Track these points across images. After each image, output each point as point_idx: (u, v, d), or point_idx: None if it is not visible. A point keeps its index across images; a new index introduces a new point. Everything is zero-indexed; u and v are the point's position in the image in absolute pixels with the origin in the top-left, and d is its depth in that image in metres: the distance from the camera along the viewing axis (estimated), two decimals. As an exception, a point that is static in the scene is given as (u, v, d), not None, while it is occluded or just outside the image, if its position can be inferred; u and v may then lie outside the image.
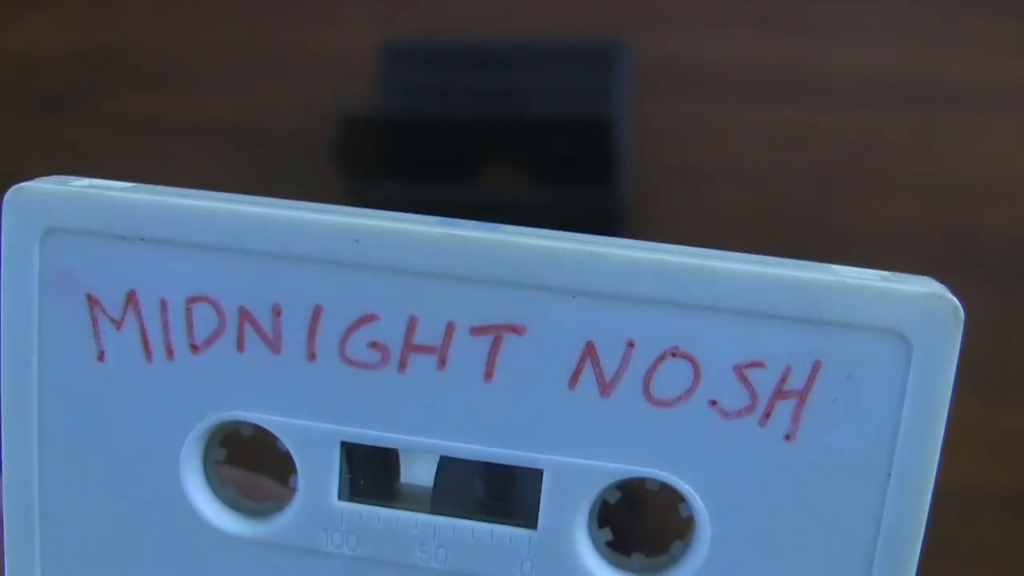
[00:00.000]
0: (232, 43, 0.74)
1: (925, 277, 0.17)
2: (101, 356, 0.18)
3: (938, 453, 0.19)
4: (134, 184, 0.18)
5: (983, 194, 0.66)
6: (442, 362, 0.17)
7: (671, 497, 0.17)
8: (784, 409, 0.16)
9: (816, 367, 0.16)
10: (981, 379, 0.63)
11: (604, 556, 0.18)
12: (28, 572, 0.19)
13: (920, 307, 0.17)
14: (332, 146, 0.57)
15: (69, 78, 0.75)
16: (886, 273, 0.17)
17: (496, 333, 0.17)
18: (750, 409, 0.16)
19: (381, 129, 0.62)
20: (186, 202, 0.18)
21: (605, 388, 0.17)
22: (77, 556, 0.19)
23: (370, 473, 0.18)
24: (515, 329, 0.17)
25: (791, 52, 0.70)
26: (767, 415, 0.16)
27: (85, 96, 0.75)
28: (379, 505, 0.18)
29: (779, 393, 0.16)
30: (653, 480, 0.17)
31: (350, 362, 0.17)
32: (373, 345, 0.17)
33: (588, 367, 0.17)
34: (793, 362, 0.16)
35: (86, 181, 0.18)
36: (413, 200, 0.61)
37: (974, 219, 0.66)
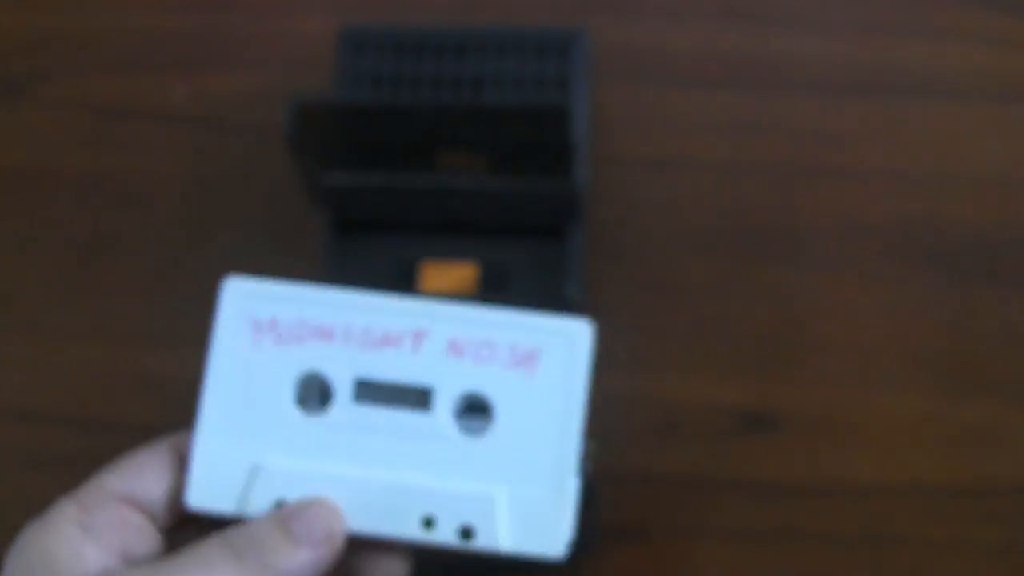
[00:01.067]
0: (190, 28, 0.85)
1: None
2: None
3: (584, 386, 0.49)
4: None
5: (943, 184, 0.78)
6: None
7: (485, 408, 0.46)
8: (527, 367, 0.45)
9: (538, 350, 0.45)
10: (938, 372, 0.75)
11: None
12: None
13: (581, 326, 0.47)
14: (286, 132, 0.66)
15: (26, 63, 0.86)
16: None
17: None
18: (515, 364, 0.45)
19: (337, 116, 0.72)
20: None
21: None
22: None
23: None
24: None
25: (752, 40, 0.82)
26: (516, 364, 0.45)
27: (43, 81, 0.86)
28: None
29: (520, 361, 0.45)
30: (477, 395, 0.45)
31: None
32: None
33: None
34: (532, 348, 0.45)
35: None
36: (370, 187, 0.71)
37: (934, 209, 0.78)
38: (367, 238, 0.72)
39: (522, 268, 0.72)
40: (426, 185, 0.71)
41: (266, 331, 0.45)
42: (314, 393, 0.46)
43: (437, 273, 0.72)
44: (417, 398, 0.45)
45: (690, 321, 0.78)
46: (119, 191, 0.83)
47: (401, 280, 0.72)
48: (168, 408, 0.80)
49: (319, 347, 0.45)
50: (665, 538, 0.76)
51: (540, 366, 0.45)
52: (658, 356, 0.78)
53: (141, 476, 0.46)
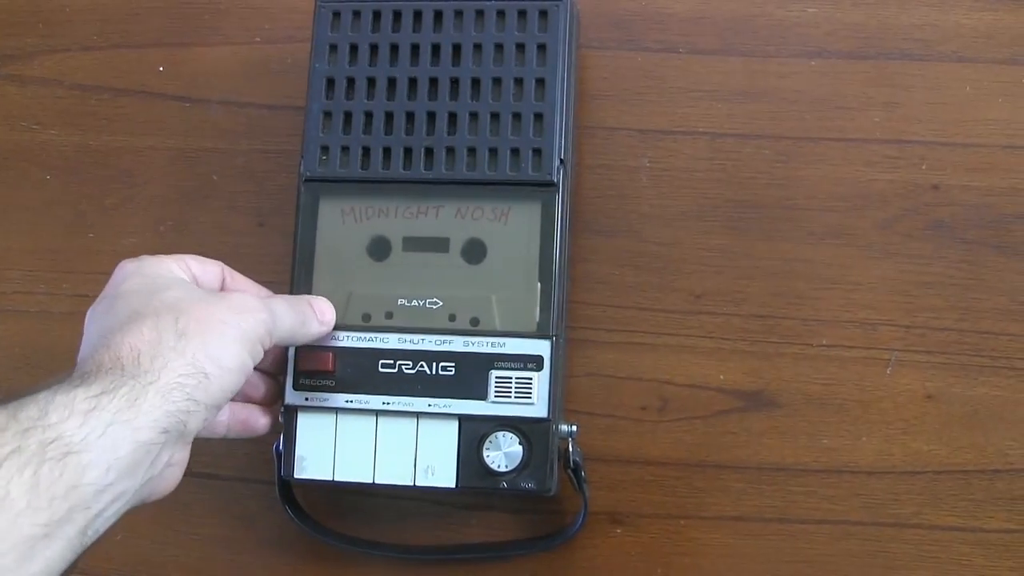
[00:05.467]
0: (170, 5, 0.82)
1: None
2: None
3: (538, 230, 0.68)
4: None
5: (947, 152, 0.74)
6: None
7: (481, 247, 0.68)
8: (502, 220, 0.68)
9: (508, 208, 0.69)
10: (944, 348, 0.71)
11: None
12: None
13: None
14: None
15: (7, 42, 0.85)
16: None
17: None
18: (495, 218, 0.68)
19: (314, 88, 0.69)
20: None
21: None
22: None
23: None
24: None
25: (747, 5, 0.78)
26: (496, 219, 0.68)
27: (24, 59, 0.83)
28: None
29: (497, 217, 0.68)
30: (478, 240, 0.68)
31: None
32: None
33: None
34: (504, 207, 0.69)
35: None
36: (352, 161, 0.68)
37: (938, 178, 0.74)
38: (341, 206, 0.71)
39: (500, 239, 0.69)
40: (406, 165, 0.70)
41: (348, 214, 0.69)
42: (377, 249, 0.69)
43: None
44: (440, 244, 0.68)
45: (683, 296, 0.73)
46: (102, 168, 0.81)
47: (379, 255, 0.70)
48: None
49: (381, 220, 0.69)
50: (656, 523, 0.72)
51: (510, 217, 0.68)
52: (649, 333, 0.73)
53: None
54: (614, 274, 0.74)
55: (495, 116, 0.69)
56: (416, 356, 0.66)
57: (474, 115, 0.69)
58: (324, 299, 0.67)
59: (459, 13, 0.70)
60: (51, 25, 0.83)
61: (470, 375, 0.66)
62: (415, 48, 0.70)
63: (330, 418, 0.67)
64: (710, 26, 0.77)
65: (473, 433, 0.65)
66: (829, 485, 0.71)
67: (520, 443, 0.65)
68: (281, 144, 0.78)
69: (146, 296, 0.58)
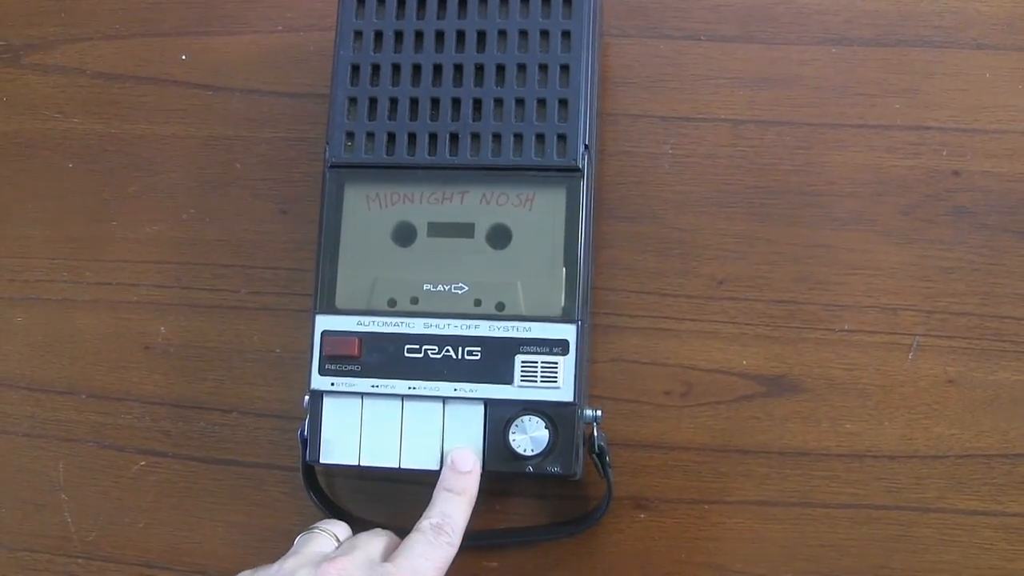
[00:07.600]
0: None
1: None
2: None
3: (562, 214, 0.68)
4: None
5: (968, 138, 0.74)
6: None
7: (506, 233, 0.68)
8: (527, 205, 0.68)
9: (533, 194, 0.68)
10: (966, 333, 0.71)
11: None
12: None
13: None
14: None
15: (30, 31, 0.85)
16: None
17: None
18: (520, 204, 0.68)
19: (339, 74, 0.69)
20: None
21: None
22: None
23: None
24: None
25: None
26: (521, 204, 0.68)
27: (47, 47, 0.83)
28: None
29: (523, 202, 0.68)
30: (503, 225, 0.68)
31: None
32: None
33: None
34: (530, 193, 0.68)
35: None
36: (377, 147, 0.68)
37: (959, 164, 0.74)
38: (366, 192, 0.70)
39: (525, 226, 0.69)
40: (431, 151, 0.70)
41: (374, 200, 0.68)
42: (403, 234, 0.69)
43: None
44: (465, 230, 0.68)
45: (705, 282, 0.73)
46: (124, 156, 0.81)
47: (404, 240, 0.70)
48: (173, 378, 0.76)
49: (406, 206, 0.69)
50: (680, 508, 0.72)
51: (535, 203, 0.67)
52: (672, 318, 0.73)
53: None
54: (637, 260, 0.74)
55: (520, 102, 0.68)
56: (442, 341, 0.66)
57: (499, 101, 0.68)
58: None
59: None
60: (73, 14, 0.84)
61: (496, 359, 0.66)
62: (440, 34, 0.70)
63: (356, 403, 0.67)
64: (731, 13, 0.77)
65: (499, 417, 0.66)
66: (852, 469, 0.71)
67: (546, 427, 0.65)
68: (304, 132, 0.78)
69: None
